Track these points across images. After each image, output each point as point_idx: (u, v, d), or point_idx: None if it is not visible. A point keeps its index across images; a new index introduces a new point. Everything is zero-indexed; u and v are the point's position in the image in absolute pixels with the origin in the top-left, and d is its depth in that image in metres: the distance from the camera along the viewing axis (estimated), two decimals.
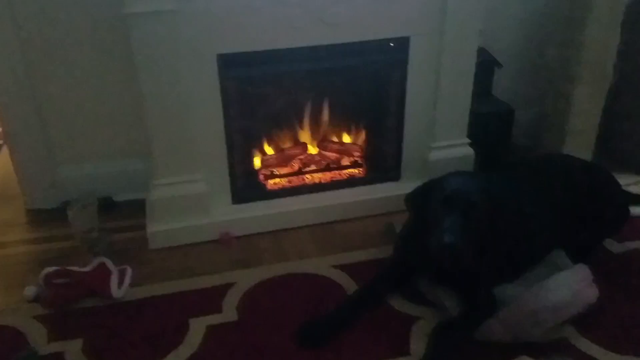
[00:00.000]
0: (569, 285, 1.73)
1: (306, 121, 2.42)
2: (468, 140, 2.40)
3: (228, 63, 2.01)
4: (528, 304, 1.67)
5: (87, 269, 1.97)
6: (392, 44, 2.18)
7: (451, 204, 1.62)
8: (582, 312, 1.75)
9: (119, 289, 1.90)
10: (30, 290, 1.88)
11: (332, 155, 2.48)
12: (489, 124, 2.51)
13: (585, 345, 1.70)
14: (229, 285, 1.96)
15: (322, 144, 2.49)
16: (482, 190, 1.67)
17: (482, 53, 2.48)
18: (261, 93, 2.21)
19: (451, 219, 1.60)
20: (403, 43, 2.17)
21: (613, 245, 2.15)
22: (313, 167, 2.42)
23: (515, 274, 1.85)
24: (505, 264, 1.79)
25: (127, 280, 1.95)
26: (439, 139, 2.36)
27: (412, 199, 1.85)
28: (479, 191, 1.66)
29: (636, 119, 2.61)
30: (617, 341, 1.72)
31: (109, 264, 1.99)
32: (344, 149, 2.49)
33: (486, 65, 2.52)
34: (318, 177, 2.40)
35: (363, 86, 2.33)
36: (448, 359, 1.61)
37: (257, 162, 2.37)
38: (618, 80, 2.54)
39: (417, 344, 1.70)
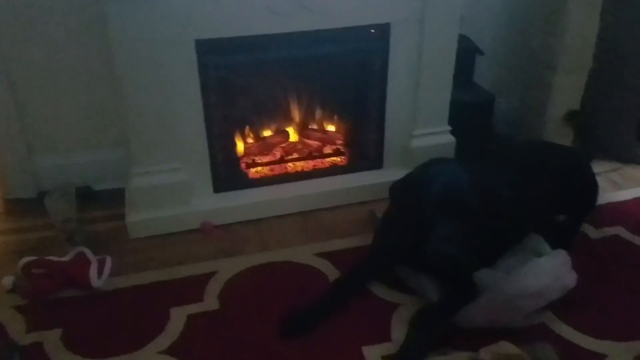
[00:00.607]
0: (548, 271, 1.75)
1: (288, 109, 2.40)
2: (449, 128, 2.41)
3: (207, 49, 1.98)
4: (507, 290, 1.68)
5: (66, 258, 1.95)
6: (372, 31, 2.17)
7: (445, 209, 1.60)
8: (561, 297, 1.77)
9: (98, 279, 1.89)
10: (7, 280, 1.86)
11: (314, 143, 2.48)
12: (470, 112, 2.52)
13: (563, 329, 1.73)
14: (210, 275, 1.95)
15: (304, 132, 2.48)
16: (472, 185, 1.68)
17: (464, 41, 2.48)
18: (241, 80, 2.19)
19: (447, 226, 1.58)
20: (384, 30, 2.16)
21: (591, 231, 2.18)
22: (295, 156, 2.41)
23: (495, 258, 1.87)
24: (486, 249, 1.80)
25: (107, 270, 1.94)
26: (420, 127, 2.37)
27: (396, 192, 1.82)
28: (470, 188, 1.66)
29: (615, 107, 2.64)
30: (596, 326, 1.74)
31: (89, 253, 1.98)
32: (326, 137, 2.49)
33: (468, 52, 2.53)
34: (300, 165, 2.40)
35: (344, 74, 2.32)
36: (428, 344, 1.61)
37: (238, 150, 2.35)
38: (597, 69, 2.57)
39: (398, 331, 1.71)
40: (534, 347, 1.56)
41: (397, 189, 1.81)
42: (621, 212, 2.30)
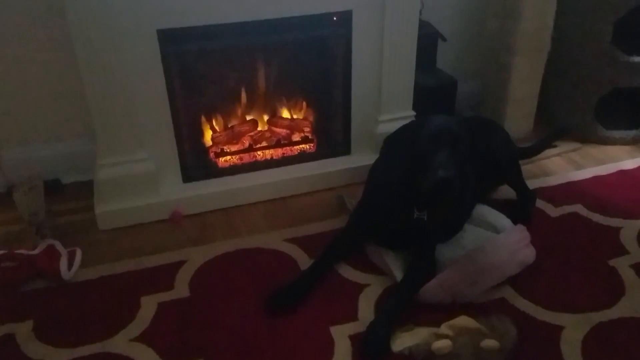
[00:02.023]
0: (507, 247, 1.81)
1: (254, 97, 2.42)
2: (414, 112, 2.45)
3: (169, 39, 1.99)
4: (466, 266, 1.74)
5: (35, 251, 1.95)
6: (335, 18, 2.19)
7: (440, 140, 1.71)
8: (520, 272, 1.84)
9: (69, 271, 1.89)
10: None
11: (282, 131, 2.49)
12: (434, 96, 2.57)
13: (522, 304, 1.79)
14: (180, 263, 1.97)
15: (271, 120, 2.50)
16: (462, 125, 1.78)
17: (426, 26, 2.53)
18: (206, 69, 2.21)
19: (443, 154, 1.68)
20: (346, 17, 2.19)
21: (551, 209, 2.25)
22: (264, 144, 2.43)
23: (454, 231, 1.94)
24: (449, 219, 1.88)
25: (77, 261, 1.95)
26: (386, 112, 2.41)
27: (391, 137, 1.93)
28: (460, 126, 1.77)
29: (574, 88, 2.71)
30: (553, 299, 1.81)
31: (58, 245, 1.98)
32: (294, 125, 2.51)
33: (430, 38, 2.57)
34: (269, 153, 2.42)
35: (309, 61, 2.35)
36: (393, 322, 1.67)
37: (207, 139, 2.37)
38: (555, 50, 2.63)
39: (365, 309, 1.76)
40: (492, 320, 1.62)
41: (392, 133, 1.94)
42: (580, 191, 2.38)
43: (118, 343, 1.65)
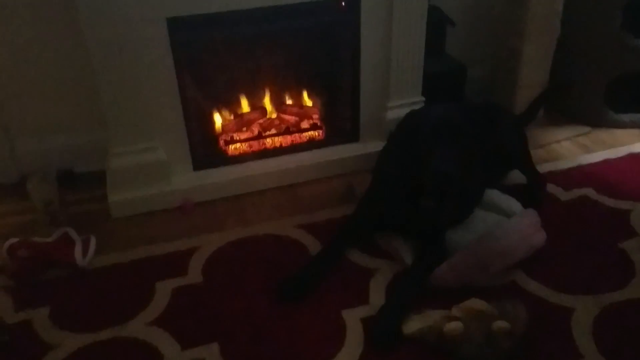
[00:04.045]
0: (517, 231, 1.82)
1: (263, 85, 2.43)
2: (423, 99, 2.45)
3: (179, 27, 1.99)
4: (478, 250, 1.75)
5: (50, 239, 1.98)
6: (343, 3, 2.19)
7: (442, 135, 1.71)
8: (531, 256, 1.84)
9: (83, 258, 1.92)
10: None
11: (291, 118, 2.50)
12: (443, 82, 2.57)
13: (533, 286, 1.80)
14: (193, 250, 2.00)
15: (280, 107, 2.51)
16: (465, 117, 1.78)
17: (435, 12, 2.52)
18: (216, 57, 2.21)
19: (445, 148, 1.69)
20: (354, 2, 2.18)
21: (561, 193, 2.26)
22: (273, 131, 2.44)
23: (464, 216, 1.94)
24: (478, 176, 1.90)
25: (92, 249, 1.97)
26: (395, 99, 2.40)
27: (396, 129, 1.94)
28: (464, 118, 1.77)
29: (584, 72, 2.70)
30: (564, 282, 1.81)
31: (73, 233, 2.01)
32: (302, 112, 2.52)
33: (439, 23, 2.57)
34: (278, 140, 2.43)
35: (318, 48, 2.35)
36: (405, 306, 1.68)
37: (216, 128, 2.38)
38: (565, 34, 2.62)
39: (376, 294, 1.78)
40: (503, 303, 1.62)
41: (396, 126, 1.93)
42: (590, 174, 2.38)
43: (134, 327, 1.68)
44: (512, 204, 1.98)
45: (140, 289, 1.83)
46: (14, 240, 1.92)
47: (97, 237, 2.02)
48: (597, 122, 2.74)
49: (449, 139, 1.71)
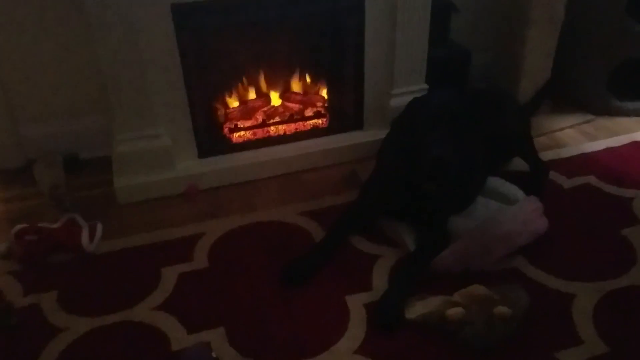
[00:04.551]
0: (519, 217, 1.83)
1: (267, 72, 2.43)
2: (426, 86, 2.45)
3: (183, 13, 2.00)
4: (479, 236, 1.77)
5: (57, 224, 2.00)
6: None
7: (437, 119, 1.73)
8: (532, 242, 1.86)
9: (90, 243, 1.94)
10: (1, 247, 1.91)
11: (295, 106, 2.51)
12: (447, 68, 2.57)
13: (534, 273, 1.81)
14: (198, 236, 2.02)
15: (285, 95, 2.52)
16: (463, 103, 1.79)
17: None
18: (220, 44, 2.22)
19: (438, 133, 1.71)
20: None
21: (563, 181, 2.27)
22: (277, 119, 2.45)
23: (466, 203, 1.96)
24: (460, 191, 1.90)
25: (98, 234, 1.99)
26: (399, 86, 2.41)
27: (396, 117, 1.96)
28: (461, 104, 1.78)
29: (587, 59, 2.69)
30: (565, 268, 1.83)
31: (79, 219, 2.03)
32: (306, 100, 2.53)
33: (443, 9, 2.56)
34: (282, 128, 2.44)
35: (322, 35, 2.35)
36: (407, 291, 1.70)
37: (221, 115, 2.39)
38: (569, 21, 2.61)
39: (379, 280, 1.80)
40: (505, 288, 1.64)
41: (400, 113, 1.95)
42: (593, 162, 2.39)
43: (141, 312, 1.71)
44: (514, 191, 1.99)
45: (146, 274, 1.85)
46: (21, 225, 1.95)
47: (103, 222, 2.05)
48: (601, 109, 2.74)
49: (447, 124, 1.72)
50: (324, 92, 2.50)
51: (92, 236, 1.97)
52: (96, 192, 2.26)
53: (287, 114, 2.48)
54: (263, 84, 2.47)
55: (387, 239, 1.97)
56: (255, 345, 1.59)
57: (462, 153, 1.74)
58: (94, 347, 1.60)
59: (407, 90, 2.41)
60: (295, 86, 2.52)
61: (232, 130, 2.38)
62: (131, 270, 1.88)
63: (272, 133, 2.43)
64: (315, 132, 2.47)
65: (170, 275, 1.84)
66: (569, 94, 2.79)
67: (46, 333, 1.64)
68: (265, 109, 2.48)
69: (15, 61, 2.27)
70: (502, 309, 1.55)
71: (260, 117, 2.44)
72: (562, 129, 2.63)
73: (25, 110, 2.38)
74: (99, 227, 2.02)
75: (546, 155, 2.38)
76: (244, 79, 2.42)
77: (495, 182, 2.06)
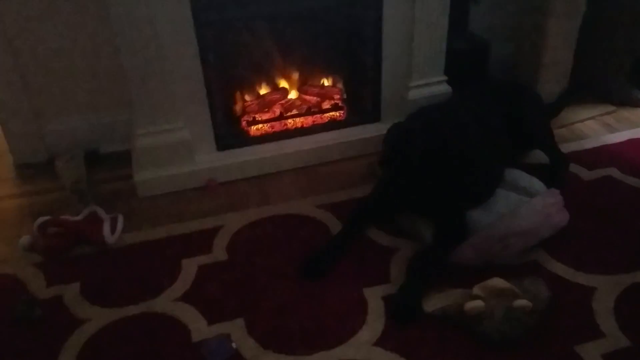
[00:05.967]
0: (540, 211, 1.82)
1: (285, 65, 2.43)
2: (445, 77, 2.44)
3: (202, 7, 2.00)
4: (499, 229, 1.76)
5: (79, 217, 2.03)
6: None
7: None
8: (553, 235, 1.84)
9: (111, 236, 1.97)
10: (25, 240, 1.95)
11: (312, 99, 2.51)
12: (466, 60, 2.55)
13: (555, 266, 1.80)
14: (217, 228, 2.04)
15: (302, 88, 2.52)
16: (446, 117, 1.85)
17: None
18: (238, 37, 2.22)
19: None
20: None
21: (584, 173, 2.24)
22: (294, 112, 2.45)
23: (485, 196, 1.94)
24: (474, 188, 1.90)
25: (120, 226, 2.02)
26: (417, 78, 2.39)
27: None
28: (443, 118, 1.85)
29: (608, 51, 2.65)
30: (586, 262, 1.82)
31: (101, 212, 2.06)
32: (324, 93, 2.52)
33: (462, 0, 2.53)
34: (300, 121, 2.44)
35: (340, 27, 2.34)
36: (425, 283, 1.70)
37: (239, 108, 2.40)
38: (591, 12, 2.57)
39: (397, 272, 1.80)
40: (525, 282, 1.64)
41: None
42: (614, 154, 2.36)
43: (162, 303, 1.73)
44: (534, 183, 1.97)
45: (167, 266, 1.87)
46: (44, 218, 1.98)
47: (124, 215, 2.07)
48: (622, 101, 2.70)
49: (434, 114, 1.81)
50: (341, 85, 2.50)
51: (113, 229, 2.00)
52: (117, 185, 2.28)
53: (305, 106, 2.47)
54: (280, 77, 2.47)
55: (405, 232, 1.96)
56: (274, 336, 1.61)
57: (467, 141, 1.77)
58: (116, 338, 1.63)
59: (426, 82, 2.40)
60: (313, 79, 2.52)
61: (249, 124, 2.39)
62: (152, 262, 1.90)
63: (289, 126, 2.43)
64: (332, 124, 2.47)
65: (190, 267, 1.86)
66: (590, 85, 2.75)
67: (69, 324, 1.67)
68: (282, 102, 2.48)
69: (38, 57, 2.30)
70: (522, 302, 1.54)
71: (277, 110, 2.45)
72: (582, 121, 2.60)
73: (48, 106, 2.42)
74: (120, 220, 2.04)
75: (567, 147, 2.36)
76: (262, 72, 2.42)
77: (516, 175, 2.04)
